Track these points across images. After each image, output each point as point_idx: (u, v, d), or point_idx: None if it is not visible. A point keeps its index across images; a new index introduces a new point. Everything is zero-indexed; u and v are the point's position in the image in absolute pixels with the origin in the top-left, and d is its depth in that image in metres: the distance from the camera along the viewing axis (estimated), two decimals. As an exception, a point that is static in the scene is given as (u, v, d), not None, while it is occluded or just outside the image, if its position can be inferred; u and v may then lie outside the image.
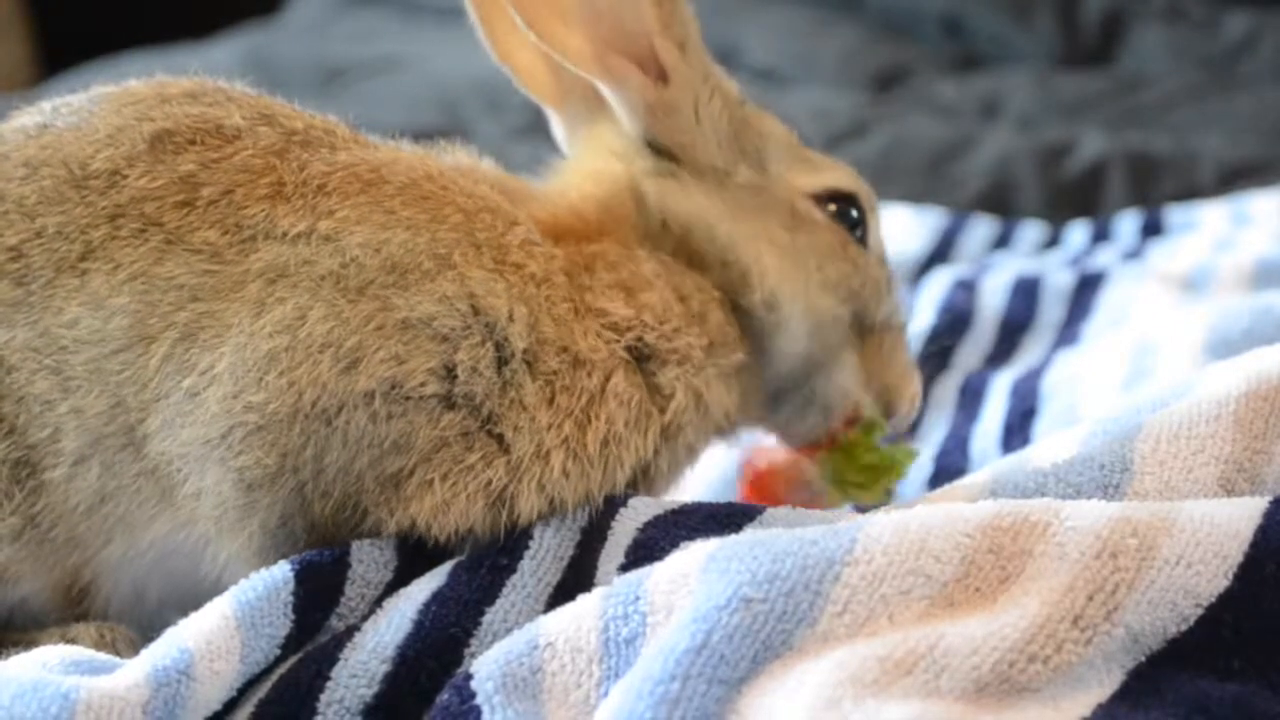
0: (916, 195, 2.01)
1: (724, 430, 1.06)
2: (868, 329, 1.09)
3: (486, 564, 0.89)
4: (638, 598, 0.80)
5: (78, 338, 0.90)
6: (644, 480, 0.98)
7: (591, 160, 1.09)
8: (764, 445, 1.14)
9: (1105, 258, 1.71)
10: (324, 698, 0.82)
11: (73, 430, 0.90)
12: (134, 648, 0.90)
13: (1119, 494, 0.90)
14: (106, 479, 0.90)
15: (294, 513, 0.90)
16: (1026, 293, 1.60)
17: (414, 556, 0.92)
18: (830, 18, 2.78)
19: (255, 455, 0.88)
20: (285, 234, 0.91)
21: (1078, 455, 0.93)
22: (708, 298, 1.02)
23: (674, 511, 0.91)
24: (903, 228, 1.86)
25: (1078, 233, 1.87)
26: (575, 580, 0.89)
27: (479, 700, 0.79)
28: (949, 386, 1.45)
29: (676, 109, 1.06)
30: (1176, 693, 0.74)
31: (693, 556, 0.80)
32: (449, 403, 0.90)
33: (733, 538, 0.81)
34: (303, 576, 0.87)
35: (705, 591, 0.76)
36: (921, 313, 1.56)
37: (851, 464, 1.09)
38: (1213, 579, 0.77)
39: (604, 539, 0.90)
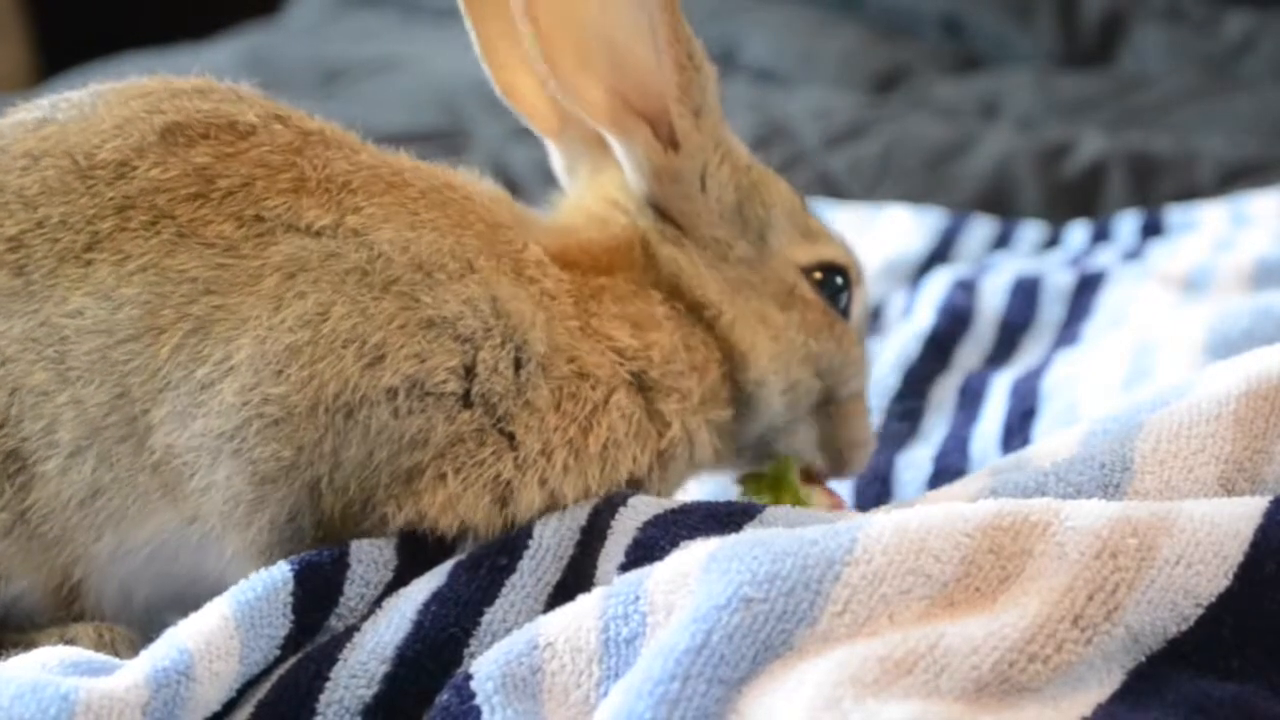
0: (916, 195, 2.01)
1: (697, 473, 1.08)
2: (834, 399, 1.11)
3: (486, 564, 0.89)
4: (638, 597, 0.80)
5: (82, 327, 0.89)
6: None
7: (595, 206, 1.09)
8: None
9: (1105, 258, 1.71)
10: (323, 698, 0.82)
11: (70, 421, 0.89)
12: (133, 648, 0.90)
13: (1119, 494, 0.90)
14: (102, 471, 0.90)
15: (304, 508, 0.90)
16: (1026, 293, 1.60)
17: (413, 557, 0.92)
18: (830, 18, 2.78)
19: (272, 448, 0.88)
20: (309, 226, 0.91)
21: (1078, 455, 0.93)
22: (710, 356, 1.04)
23: (674, 511, 0.91)
24: (903, 228, 1.86)
25: (1078, 233, 1.87)
26: (575, 580, 0.89)
27: (479, 700, 0.79)
28: (949, 386, 1.45)
29: (682, 177, 1.07)
30: (1176, 693, 0.74)
31: (693, 556, 0.80)
32: (466, 401, 0.92)
33: (733, 537, 0.81)
34: (302, 577, 0.87)
35: (705, 591, 0.76)
36: (921, 313, 1.56)
37: (768, 498, 1.10)
38: (1213, 579, 0.77)
39: (604, 538, 0.90)
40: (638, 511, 0.91)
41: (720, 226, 1.08)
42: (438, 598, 0.87)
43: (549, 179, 1.19)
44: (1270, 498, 0.82)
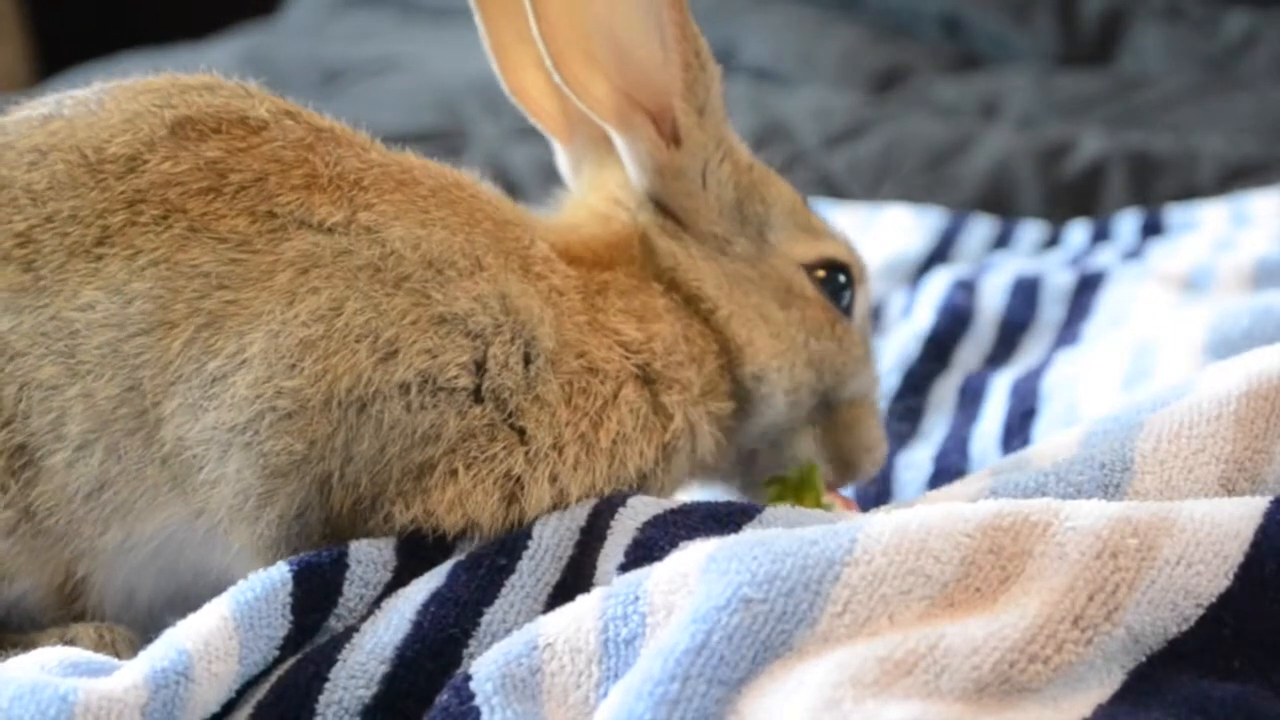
0: (916, 195, 2.02)
1: (699, 473, 1.08)
2: (837, 401, 1.11)
3: (485, 564, 0.89)
4: (637, 598, 0.80)
5: (93, 321, 0.89)
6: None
7: (597, 203, 1.11)
8: None
9: (1105, 258, 1.71)
10: (322, 699, 0.82)
11: (79, 414, 0.89)
12: (133, 649, 0.90)
13: (1119, 493, 0.90)
14: (110, 464, 0.90)
15: (313, 503, 0.91)
16: (1026, 293, 1.60)
17: (413, 557, 0.92)
18: (830, 18, 2.78)
19: (284, 441, 0.89)
20: (322, 223, 0.92)
21: (1078, 455, 0.93)
22: (708, 348, 1.04)
23: (673, 511, 0.91)
24: (902, 228, 1.86)
25: (1077, 233, 1.87)
26: (574, 580, 0.89)
27: (478, 701, 0.79)
28: (949, 386, 1.45)
29: (684, 174, 1.08)
30: (1177, 693, 0.74)
31: (692, 556, 0.79)
32: (477, 396, 0.93)
33: (732, 538, 0.81)
34: (301, 577, 0.87)
35: (705, 591, 0.76)
36: (921, 312, 1.56)
37: (791, 502, 1.10)
38: (1213, 579, 0.77)
39: (603, 539, 0.90)
40: (637, 512, 0.91)
41: (720, 223, 1.08)
42: (437, 598, 0.86)
43: (548, 179, 1.20)
44: (1271, 498, 0.82)
